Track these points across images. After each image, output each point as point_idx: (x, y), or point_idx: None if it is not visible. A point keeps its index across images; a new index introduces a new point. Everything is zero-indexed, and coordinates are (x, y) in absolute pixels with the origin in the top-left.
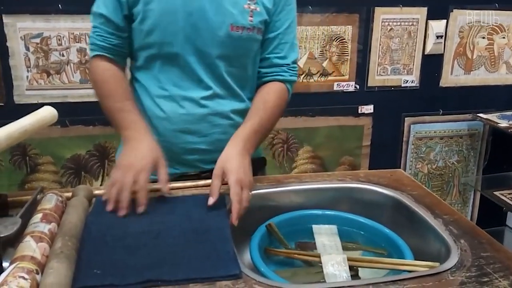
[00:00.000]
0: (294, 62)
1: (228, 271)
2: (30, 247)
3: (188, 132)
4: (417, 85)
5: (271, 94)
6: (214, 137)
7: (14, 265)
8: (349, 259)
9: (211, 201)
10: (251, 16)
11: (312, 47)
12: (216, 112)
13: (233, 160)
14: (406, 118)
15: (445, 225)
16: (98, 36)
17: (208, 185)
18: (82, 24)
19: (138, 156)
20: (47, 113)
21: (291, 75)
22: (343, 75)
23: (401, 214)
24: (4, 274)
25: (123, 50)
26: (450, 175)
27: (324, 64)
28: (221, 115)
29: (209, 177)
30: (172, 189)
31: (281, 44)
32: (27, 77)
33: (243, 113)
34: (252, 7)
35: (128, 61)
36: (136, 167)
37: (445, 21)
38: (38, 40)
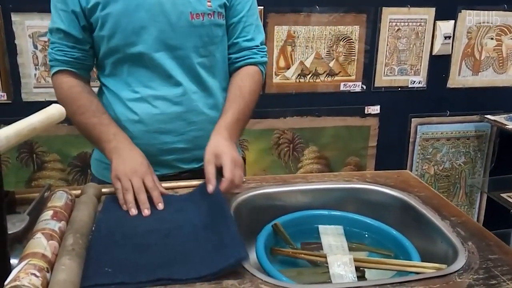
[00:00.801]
0: (262, 43)
1: (236, 256)
2: (41, 244)
3: (163, 132)
4: (424, 85)
5: (245, 79)
6: (191, 135)
7: (26, 261)
8: (355, 260)
9: (210, 188)
10: (209, 1)
11: (319, 47)
12: (190, 109)
13: (223, 144)
14: (413, 119)
15: (452, 227)
16: (58, 51)
17: (190, 186)
18: None
19: (136, 162)
20: (56, 111)
21: (261, 57)
22: (350, 76)
23: (408, 215)
24: (16, 270)
25: (86, 62)
26: (457, 176)
27: (331, 64)
28: (196, 111)
29: (190, 177)
30: (179, 188)
31: (247, 26)
32: (35, 75)
33: (217, 107)
34: None
35: (92, 73)
36: (139, 172)
37: (453, 21)
38: (46, 38)
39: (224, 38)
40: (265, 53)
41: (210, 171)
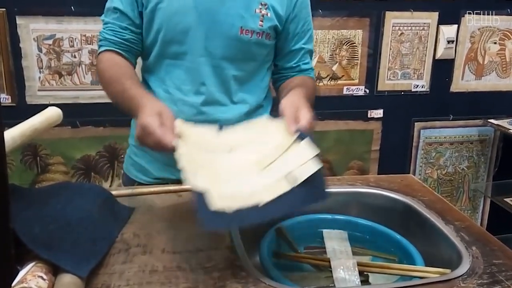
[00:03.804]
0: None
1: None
2: None
3: None
4: (427, 90)
5: (306, 80)
6: None
7: (33, 263)
8: (359, 264)
9: (293, 128)
10: (261, 21)
11: (322, 50)
12: (214, 120)
13: (302, 102)
14: (416, 123)
15: (456, 232)
16: (109, 30)
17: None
18: (94, 26)
19: (162, 107)
20: (53, 113)
21: (313, 75)
22: (353, 79)
23: (412, 220)
24: (23, 272)
25: (135, 47)
26: (460, 181)
27: (334, 68)
28: (221, 122)
29: None
30: (182, 191)
31: (306, 53)
32: (39, 78)
33: (246, 120)
34: (264, 12)
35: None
36: (165, 113)
37: (456, 26)
38: (50, 41)
39: (268, 58)
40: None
41: (289, 113)
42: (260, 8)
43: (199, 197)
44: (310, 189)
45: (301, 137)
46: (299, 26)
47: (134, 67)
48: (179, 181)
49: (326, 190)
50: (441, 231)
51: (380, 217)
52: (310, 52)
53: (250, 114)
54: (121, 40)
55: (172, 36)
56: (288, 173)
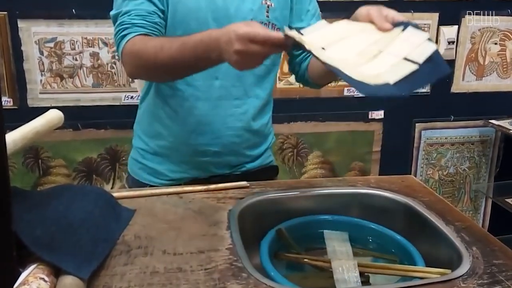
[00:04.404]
0: None
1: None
2: None
3: (200, 133)
4: (428, 90)
5: None
6: (227, 140)
7: (34, 265)
8: (359, 265)
9: (387, 26)
10: (267, 12)
11: None
12: (230, 113)
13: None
14: (417, 124)
15: (456, 232)
16: (136, 16)
17: (219, 189)
18: (95, 29)
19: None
20: (55, 115)
21: None
22: None
23: (413, 221)
24: (24, 274)
25: (163, 31)
26: (462, 181)
27: None
28: (235, 117)
29: (219, 181)
30: (183, 193)
31: None
32: (41, 80)
33: (258, 117)
34: (268, 3)
35: None
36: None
37: (456, 26)
38: (52, 44)
39: (278, 54)
40: None
41: (375, 13)
42: (265, 0)
43: (339, 72)
44: (433, 65)
45: (402, 26)
46: (305, 4)
47: None
48: (193, 180)
49: (446, 64)
50: (441, 232)
51: (381, 218)
52: None
53: (261, 109)
54: (151, 24)
55: (187, 33)
56: (405, 56)
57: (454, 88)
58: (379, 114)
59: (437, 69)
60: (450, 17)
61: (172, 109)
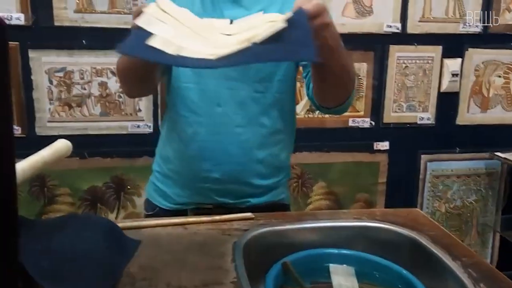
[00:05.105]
0: None
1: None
2: None
3: (202, 158)
4: (433, 122)
5: None
6: (229, 167)
7: None
8: None
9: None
10: None
11: None
12: (232, 141)
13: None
14: (422, 156)
15: (464, 268)
16: None
17: (224, 220)
18: (105, 59)
19: None
20: (63, 145)
21: None
22: (358, 111)
23: (419, 255)
24: None
25: None
26: (469, 214)
27: None
28: (238, 145)
29: (223, 213)
30: (188, 223)
31: None
32: (49, 109)
33: (265, 147)
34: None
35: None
36: None
37: (460, 59)
38: (61, 74)
39: (288, 81)
40: None
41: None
42: None
43: (138, 31)
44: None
45: (296, 15)
46: None
47: (158, 81)
48: (197, 208)
49: (313, 50)
50: (448, 267)
51: (387, 252)
52: None
53: (268, 139)
54: None
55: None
56: (253, 36)
57: (459, 120)
58: (384, 145)
59: (290, 48)
60: (453, 50)
61: (178, 134)
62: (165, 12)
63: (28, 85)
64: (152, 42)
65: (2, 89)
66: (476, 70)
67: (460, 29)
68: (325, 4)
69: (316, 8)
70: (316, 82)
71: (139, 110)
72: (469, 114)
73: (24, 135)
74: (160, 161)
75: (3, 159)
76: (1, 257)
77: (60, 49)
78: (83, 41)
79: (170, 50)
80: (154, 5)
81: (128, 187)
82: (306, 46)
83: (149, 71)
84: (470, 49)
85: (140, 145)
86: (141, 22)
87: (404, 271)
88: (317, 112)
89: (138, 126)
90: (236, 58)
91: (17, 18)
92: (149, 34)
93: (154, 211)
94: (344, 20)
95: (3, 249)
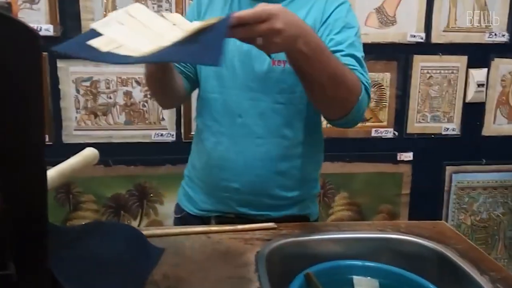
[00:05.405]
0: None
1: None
2: None
3: (223, 168)
4: (458, 133)
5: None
6: (248, 179)
7: None
8: None
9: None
10: None
11: None
12: (253, 153)
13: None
14: (447, 167)
15: (492, 283)
16: None
17: (247, 230)
18: (130, 69)
19: None
20: (91, 153)
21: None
22: (381, 122)
23: (445, 269)
24: None
25: (188, 73)
26: (495, 227)
27: None
28: (258, 157)
29: (245, 223)
30: (211, 232)
31: (346, 56)
32: (76, 118)
33: (287, 158)
34: None
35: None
36: None
37: (486, 69)
38: (88, 83)
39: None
40: (367, 78)
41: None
42: None
43: (88, 33)
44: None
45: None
46: (331, 32)
47: (186, 92)
48: (219, 216)
49: (218, 54)
50: (476, 282)
51: (412, 265)
52: (355, 58)
53: (291, 150)
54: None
55: (209, 73)
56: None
57: (485, 131)
58: (408, 156)
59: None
60: (479, 60)
61: (203, 142)
62: (131, 16)
63: (55, 94)
64: (93, 41)
65: (37, 98)
66: (502, 80)
67: (486, 38)
68: (279, 10)
69: (256, 14)
70: (306, 91)
71: (163, 119)
72: (495, 125)
73: (51, 143)
74: (189, 166)
75: (36, 168)
76: (32, 263)
77: (87, 59)
78: None
79: (106, 48)
80: (122, 9)
81: (151, 195)
82: (212, 50)
83: (164, 83)
84: (496, 59)
85: (163, 154)
86: (95, 24)
87: (431, 286)
88: None
89: (161, 135)
90: (151, 57)
91: (46, 29)
92: (97, 35)
93: (181, 214)
94: (367, 29)
95: (34, 255)
